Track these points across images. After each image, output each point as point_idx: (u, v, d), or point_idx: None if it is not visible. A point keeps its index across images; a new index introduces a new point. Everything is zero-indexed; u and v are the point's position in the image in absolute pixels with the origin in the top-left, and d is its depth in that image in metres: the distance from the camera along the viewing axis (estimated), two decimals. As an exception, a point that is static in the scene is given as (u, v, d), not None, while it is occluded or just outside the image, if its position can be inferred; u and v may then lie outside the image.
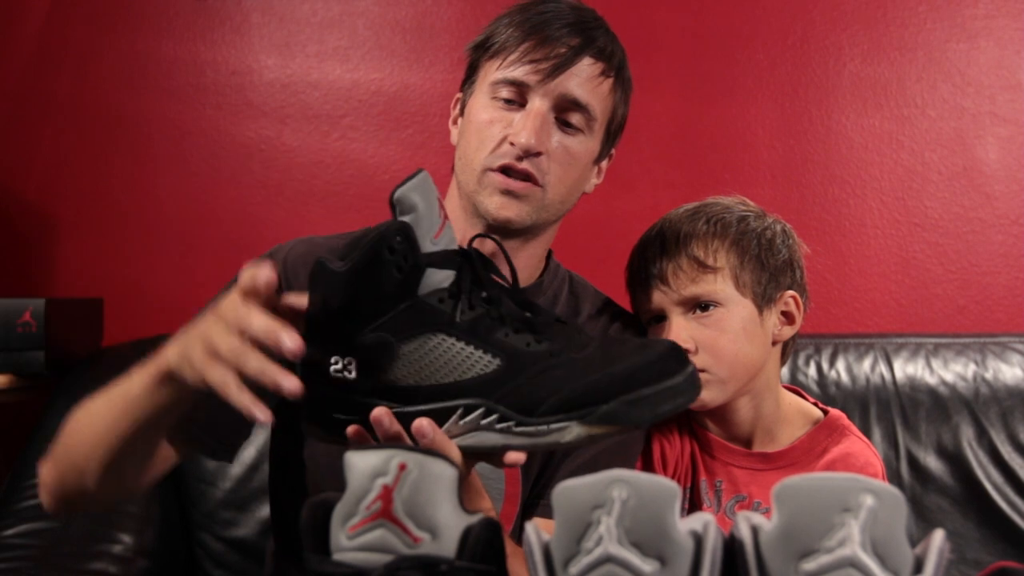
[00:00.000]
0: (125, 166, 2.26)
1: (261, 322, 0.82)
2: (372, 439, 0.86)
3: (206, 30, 2.28)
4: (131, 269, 2.24)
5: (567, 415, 0.82)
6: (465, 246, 0.91)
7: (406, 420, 0.85)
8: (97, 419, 1.03)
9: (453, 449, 0.86)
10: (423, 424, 0.84)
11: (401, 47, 2.25)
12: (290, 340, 0.80)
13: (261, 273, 0.83)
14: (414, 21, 2.25)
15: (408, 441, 0.85)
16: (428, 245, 0.84)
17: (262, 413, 0.81)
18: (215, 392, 0.84)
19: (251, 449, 1.82)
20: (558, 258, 1.37)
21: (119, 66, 2.28)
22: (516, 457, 0.86)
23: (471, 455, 0.87)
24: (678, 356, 0.86)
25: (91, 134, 2.27)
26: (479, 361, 0.85)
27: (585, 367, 0.84)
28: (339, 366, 0.84)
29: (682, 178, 2.19)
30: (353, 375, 0.84)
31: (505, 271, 1.23)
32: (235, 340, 0.83)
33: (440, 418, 0.85)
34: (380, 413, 0.84)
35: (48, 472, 1.09)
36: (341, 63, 2.27)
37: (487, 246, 1.21)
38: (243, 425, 1.15)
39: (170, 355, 0.92)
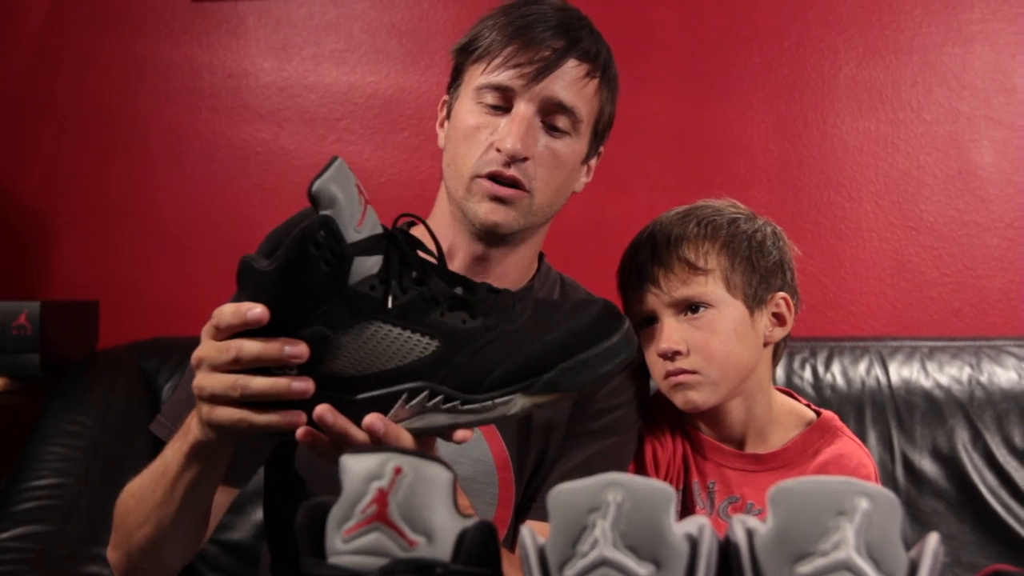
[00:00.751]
0: (122, 169, 2.26)
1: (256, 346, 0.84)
2: (322, 436, 0.86)
3: (203, 33, 2.29)
4: (127, 271, 2.24)
5: (510, 388, 0.84)
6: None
7: (354, 409, 0.85)
8: (148, 502, 1.04)
9: (405, 436, 0.86)
10: (373, 421, 0.84)
11: (397, 50, 2.26)
12: (256, 308, 0.82)
13: (253, 311, 0.83)
14: (410, 24, 2.25)
15: (357, 432, 0.85)
16: (352, 234, 0.83)
17: (297, 417, 0.84)
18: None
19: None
20: (554, 260, 1.37)
21: (116, 69, 2.28)
22: (463, 435, 0.88)
23: (421, 437, 0.88)
24: (613, 315, 0.87)
25: (88, 136, 2.28)
26: (417, 344, 0.85)
27: (522, 338, 0.85)
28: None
29: (678, 181, 2.19)
30: (294, 371, 0.83)
31: (487, 276, 1.23)
32: (226, 376, 0.84)
33: (386, 404, 0.85)
34: (323, 411, 0.84)
35: (117, 558, 1.12)
36: (337, 66, 2.27)
37: (474, 250, 1.22)
38: (253, 450, 1.17)
39: (192, 426, 0.94)
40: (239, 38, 2.29)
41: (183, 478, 0.98)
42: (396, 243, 0.86)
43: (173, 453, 0.99)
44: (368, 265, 0.84)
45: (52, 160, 2.28)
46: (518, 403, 0.84)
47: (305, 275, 0.81)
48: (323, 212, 0.81)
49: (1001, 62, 2.17)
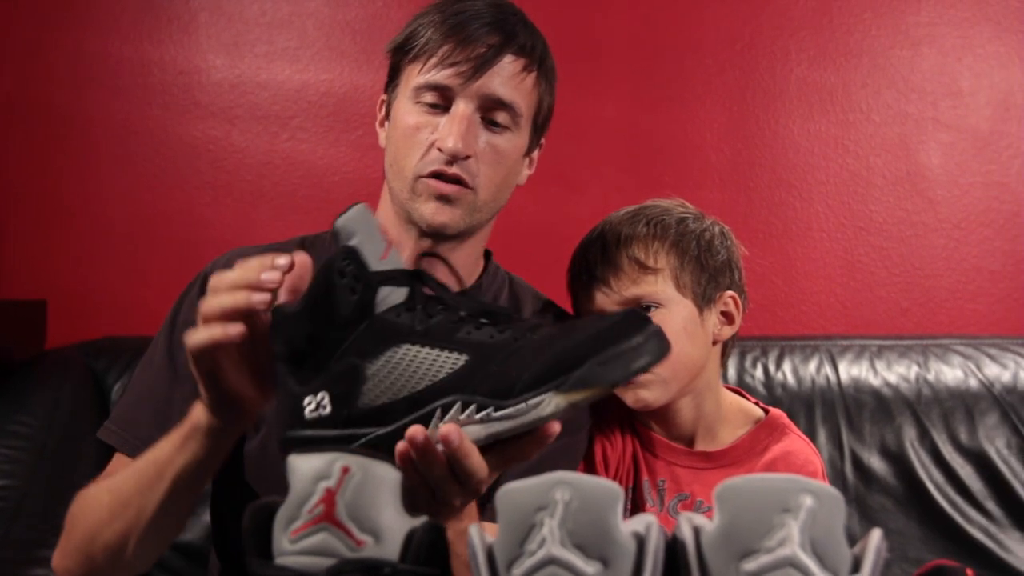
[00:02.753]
0: (70, 166, 2.22)
1: (239, 271, 0.88)
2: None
3: (153, 29, 2.26)
4: (75, 270, 2.21)
5: (543, 388, 0.81)
6: (411, 267, 0.91)
7: (390, 441, 0.82)
8: (122, 501, 1.02)
9: (476, 454, 0.84)
10: (450, 430, 0.81)
11: (351, 48, 2.24)
12: (281, 258, 0.86)
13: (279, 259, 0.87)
14: (364, 22, 2.24)
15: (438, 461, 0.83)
16: (377, 265, 0.85)
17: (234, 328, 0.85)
18: (219, 350, 0.87)
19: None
20: (507, 260, 1.37)
21: (64, 64, 2.25)
22: (553, 428, 0.84)
23: (494, 456, 0.85)
24: (639, 317, 0.85)
25: (35, 134, 2.24)
26: (447, 360, 0.84)
27: (550, 341, 0.83)
28: (313, 405, 0.84)
29: (631, 182, 2.20)
30: (328, 409, 0.83)
31: (452, 281, 1.23)
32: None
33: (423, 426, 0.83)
34: (415, 431, 0.81)
35: (73, 563, 1.08)
36: (290, 64, 2.25)
37: (420, 247, 1.22)
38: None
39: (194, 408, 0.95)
40: (190, 34, 2.26)
41: (175, 461, 0.97)
42: (422, 280, 0.88)
43: (167, 442, 0.98)
44: (394, 296, 0.85)
45: (-2, 157, 2.24)
46: (552, 402, 0.81)
47: (333, 306, 0.82)
48: (346, 243, 0.83)
49: (948, 65, 2.21)
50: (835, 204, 2.21)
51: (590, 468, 1.30)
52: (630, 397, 1.27)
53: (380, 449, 0.81)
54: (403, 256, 1.22)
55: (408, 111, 1.19)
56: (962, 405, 1.88)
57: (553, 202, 2.14)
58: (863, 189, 2.20)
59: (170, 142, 2.23)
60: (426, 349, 0.84)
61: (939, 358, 1.94)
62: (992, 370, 1.91)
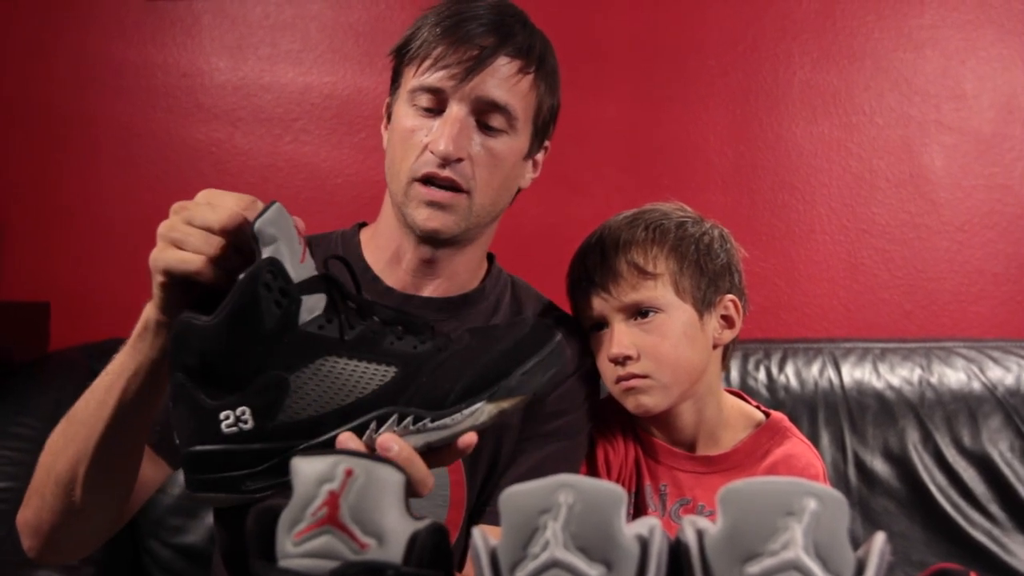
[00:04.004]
0: (73, 168, 2.23)
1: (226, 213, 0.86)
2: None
3: (156, 32, 2.26)
4: (79, 272, 2.21)
5: (476, 397, 0.87)
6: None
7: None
8: (78, 420, 0.99)
9: (417, 459, 0.85)
10: (388, 439, 0.83)
11: (354, 51, 2.25)
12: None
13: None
14: (367, 25, 2.24)
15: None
16: (296, 269, 0.83)
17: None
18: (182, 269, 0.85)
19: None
20: (509, 262, 1.37)
21: (68, 66, 2.25)
22: (469, 439, 0.87)
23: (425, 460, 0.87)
24: (546, 327, 0.92)
25: (38, 135, 2.24)
26: (376, 373, 0.85)
27: (475, 353, 0.88)
28: (231, 420, 0.81)
29: (634, 184, 2.20)
30: (249, 424, 0.82)
31: (435, 279, 1.23)
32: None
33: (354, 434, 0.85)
34: (346, 439, 0.83)
35: (28, 511, 1.05)
36: (294, 66, 2.25)
37: (421, 253, 1.21)
38: None
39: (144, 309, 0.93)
40: (194, 37, 2.26)
41: (126, 367, 0.94)
42: (335, 284, 0.86)
43: (120, 352, 0.96)
44: (312, 304, 0.84)
45: (1, 160, 2.24)
46: (485, 411, 0.87)
47: (257, 319, 0.80)
48: (267, 255, 0.81)
49: (951, 68, 2.20)
50: (838, 206, 2.21)
51: (593, 472, 1.30)
52: (631, 403, 1.26)
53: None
54: (403, 263, 1.23)
55: (404, 114, 1.19)
56: (965, 408, 1.88)
57: (555, 203, 2.14)
58: (866, 191, 2.20)
59: (173, 144, 2.23)
60: (353, 362, 0.84)
61: (942, 361, 1.94)
62: (995, 373, 1.91)
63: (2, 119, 2.24)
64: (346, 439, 0.83)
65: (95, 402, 0.97)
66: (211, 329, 0.80)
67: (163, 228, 0.87)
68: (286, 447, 0.82)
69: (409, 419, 0.85)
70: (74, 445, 0.99)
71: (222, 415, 0.81)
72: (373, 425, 0.84)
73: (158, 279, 0.87)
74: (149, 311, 0.92)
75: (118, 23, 2.26)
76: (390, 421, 0.85)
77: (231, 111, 2.25)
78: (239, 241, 0.84)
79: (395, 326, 0.88)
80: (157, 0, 2.26)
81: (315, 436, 0.83)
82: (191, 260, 0.84)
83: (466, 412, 0.86)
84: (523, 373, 0.88)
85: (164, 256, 0.85)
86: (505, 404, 0.88)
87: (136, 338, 0.94)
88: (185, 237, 0.85)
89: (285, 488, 0.80)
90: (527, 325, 0.93)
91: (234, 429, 0.82)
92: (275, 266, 0.80)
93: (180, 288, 0.86)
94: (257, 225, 0.80)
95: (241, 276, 0.80)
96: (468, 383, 0.87)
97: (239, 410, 0.81)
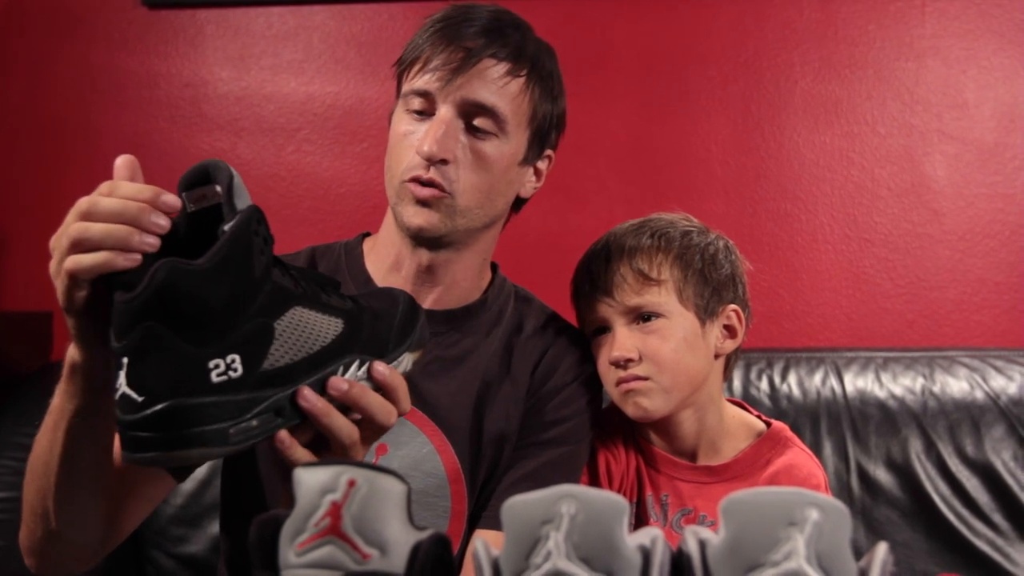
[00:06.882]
0: (76, 178, 2.23)
1: (120, 202, 0.82)
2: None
3: (159, 42, 2.27)
4: (81, 282, 2.21)
5: (401, 348, 0.95)
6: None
7: (292, 403, 0.84)
8: (36, 454, 0.99)
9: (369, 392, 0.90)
10: (337, 381, 0.86)
11: (356, 61, 2.25)
12: (167, 196, 0.80)
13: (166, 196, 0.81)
14: (369, 35, 2.25)
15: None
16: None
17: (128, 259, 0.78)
18: (86, 280, 0.81)
19: (203, 465, 1.80)
20: (512, 271, 1.37)
21: (70, 77, 2.26)
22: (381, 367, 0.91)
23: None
24: (405, 293, 1.02)
25: (42, 146, 2.25)
26: (330, 324, 0.88)
27: (384, 312, 0.96)
28: (221, 368, 0.78)
29: (636, 193, 2.20)
30: (240, 371, 0.80)
31: (435, 286, 1.25)
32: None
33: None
34: (283, 436, 0.84)
35: (23, 532, 1.05)
36: (296, 76, 2.26)
37: (418, 258, 1.22)
38: None
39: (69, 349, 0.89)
40: (197, 47, 2.27)
41: (64, 405, 0.92)
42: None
43: (57, 391, 0.93)
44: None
45: (4, 170, 2.25)
46: (407, 360, 0.96)
47: (247, 266, 0.79)
48: (250, 203, 0.81)
49: (952, 77, 2.21)
50: (840, 216, 2.21)
51: (594, 481, 1.30)
52: (630, 406, 1.26)
53: (282, 411, 0.84)
54: (402, 271, 1.24)
55: (399, 118, 1.21)
56: (968, 417, 1.88)
57: (558, 213, 2.14)
58: (868, 201, 2.20)
59: (176, 154, 2.24)
60: (313, 312, 0.87)
61: (945, 370, 1.94)
62: (998, 382, 1.91)
63: (5, 129, 2.25)
64: (308, 393, 0.84)
65: (46, 440, 0.96)
66: (205, 273, 0.77)
67: (59, 236, 0.85)
68: (263, 397, 0.82)
69: (367, 366, 0.91)
70: (36, 480, 0.99)
71: (211, 363, 0.78)
72: (341, 370, 0.88)
73: (66, 299, 0.83)
74: (71, 352, 0.88)
75: (121, 33, 2.26)
76: (353, 367, 0.89)
77: (234, 121, 2.25)
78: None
79: (320, 283, 0.92)
80: (160, 11, 2.27)
81: (287, 386, 0.84)
82: (94, 258, 0.81)
83: (397, 361, 0.94)
84: (420, 327, 0.99)
85: (76, 260, 0.82)
86: (416, 355, 0.98)
87: (65, 380, 0.91)
88: (88, 231, 0.83)
89: (271, 439, 0.84)
90: (392, 293, 1.01)
91: (224, 378, 0.79)
92: (260, 213, 0.81)
93: (92, 305, 0.82)
94: (207, 162, 0.82)
95: (230, 223, 0.79)
96: (395, 335, 0.95)
97: (229, 358, 0.79)
